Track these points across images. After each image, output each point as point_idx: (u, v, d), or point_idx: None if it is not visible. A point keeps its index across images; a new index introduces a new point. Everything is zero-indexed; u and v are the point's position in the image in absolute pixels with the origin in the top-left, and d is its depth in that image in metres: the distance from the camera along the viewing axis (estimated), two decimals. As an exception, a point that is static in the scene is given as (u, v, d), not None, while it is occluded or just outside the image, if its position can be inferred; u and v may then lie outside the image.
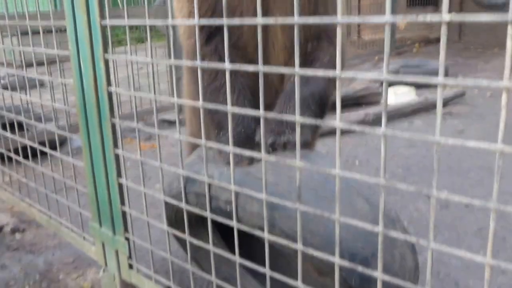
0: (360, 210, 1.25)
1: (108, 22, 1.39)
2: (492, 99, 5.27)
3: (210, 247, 1.24)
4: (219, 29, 1.50)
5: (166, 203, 1.44)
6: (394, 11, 9.10)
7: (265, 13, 1.47)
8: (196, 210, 1.28)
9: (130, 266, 1.61)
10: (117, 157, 1.52)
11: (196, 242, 1.30)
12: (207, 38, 1.53)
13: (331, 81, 1.51)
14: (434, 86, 5.81)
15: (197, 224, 1.69)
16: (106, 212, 1.61)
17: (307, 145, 1.45)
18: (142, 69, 4.75)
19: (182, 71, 4.72)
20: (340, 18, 0.78)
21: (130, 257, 1.61)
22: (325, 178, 1.27)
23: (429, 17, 0.68)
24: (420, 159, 3.60)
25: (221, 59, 1.53)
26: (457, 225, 2.54)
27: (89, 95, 1.52)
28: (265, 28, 1.49)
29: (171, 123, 4.67)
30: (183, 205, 1.30)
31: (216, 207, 1.38)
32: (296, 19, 0.83)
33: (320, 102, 1.49)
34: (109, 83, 1.47)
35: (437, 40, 10.48)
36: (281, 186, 1.25)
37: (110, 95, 1.48)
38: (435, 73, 5.96)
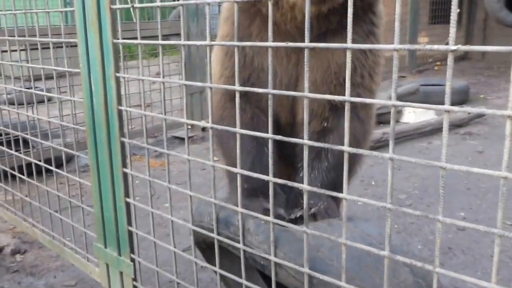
0: (404, 281, 1.25)
1: (121, 41, 1.47)
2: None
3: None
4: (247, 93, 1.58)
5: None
6: (415, 28, 9.22)
7: (295, 82, 1.56)
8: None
9: (135, 288, 1.67)
10: (125, 176, 1.59)
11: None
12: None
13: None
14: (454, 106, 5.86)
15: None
16: (112, 232, 1.67)
17: (334, 213, 1.48)
18: (154, 84, 4.86)
19: (194, 87, 4.83)
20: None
21: (135, 279, 1.66)
22: (369, 244, 1.26)
23: (436, 47, 0.74)
24: (437, 179, 3.63)
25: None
26: (473, 248, 2.58)
27: (98, 113, 1.59)
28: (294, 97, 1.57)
29: (182, 140, 4.76)
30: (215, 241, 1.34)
31: (251, 258, 1.37)
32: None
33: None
34: (119, 101, 1.54)
35: (459, 58, 10.53)
36: (322, 252, 1.25)
37: (120, 113, 1.55)
38: (457, 91, 6.03)
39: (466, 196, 3.31)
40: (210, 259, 1.61)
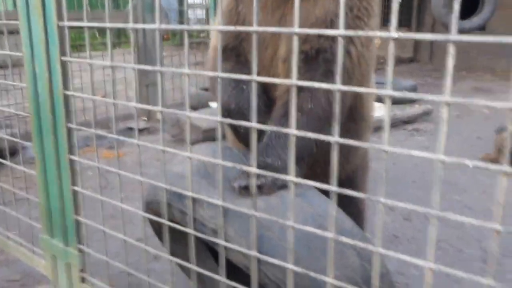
0: (351, 264, 1.24)
1: (67, 23, 1.39)
2: (457, 119, 5.49)
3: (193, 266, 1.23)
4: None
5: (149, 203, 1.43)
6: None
7: (278, 35, 1.57)
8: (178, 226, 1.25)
9: (83, 280, 1.59)
10: (72, 163, 1.51)
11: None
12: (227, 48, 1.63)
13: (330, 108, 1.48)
14: (402, 103, 6.04)
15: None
16: (58, 223, 1.58)
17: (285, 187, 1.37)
18: (109, 75, 4.73)
19: (150, 78, 4.72)
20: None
21: (83, 270, 1.58)
22: (322, 223, 1.24)
23: (379, 34, 0.74)
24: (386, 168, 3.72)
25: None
26: (418, 237, 2.64)
27: (43, 98, 1.50)
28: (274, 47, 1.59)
29: (138, 131, 4.64)
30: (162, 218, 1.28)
31: (202, 233, 1.30)
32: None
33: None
34: (66, 86, 1.46)
35: (410, 60, 10.88)
36: (272, 232, 1.22)
37: (66, 99, 1.47)
38: (406, 89, 6.20)
39: (412, 189, 3.39)
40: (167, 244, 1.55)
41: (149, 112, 4.90)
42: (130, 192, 2.93)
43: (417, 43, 11.04)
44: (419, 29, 11.28)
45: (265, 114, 1.55)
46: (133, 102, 1.28)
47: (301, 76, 1.43)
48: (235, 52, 1.63)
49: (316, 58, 1.49)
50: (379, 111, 5.27)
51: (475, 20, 8.15)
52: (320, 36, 1.46)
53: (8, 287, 2.09)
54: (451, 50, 0.72)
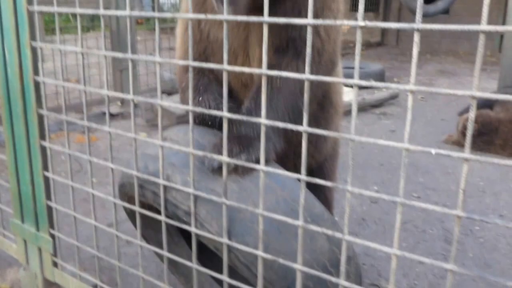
0: (320, 248, 1.27)
1: (36, 8, 1.36)
2: (423, 102, 5.62)
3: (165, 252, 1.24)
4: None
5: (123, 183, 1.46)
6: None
7: (245, 43, 1.57)
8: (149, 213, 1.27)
9: (55, 264, 1.59)
10: (43, 149, 1.49)
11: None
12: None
13: (301, 94, 1.50)
14: (372, 88, 6.14)
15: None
16: (30, 207, 1.57)
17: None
18: (85, 60, 4.63)
19: (124, 64, 4.63)
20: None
21: (55, 255, 1.58)
22: (291, 210, 1.26)
23: (347, 22, 0.75)
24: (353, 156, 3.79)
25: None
26: (384, 219, 2.72)
27: (13, 84, 1.47)
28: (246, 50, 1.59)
29: (112, 116, 4.57)
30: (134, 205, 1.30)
31: (174, 214, 1.32)
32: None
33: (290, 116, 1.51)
34: (36, 72, 1.44)
35: (378, 44, 11.04)
36: (244, 214, 1.22)
37: (37, 84, 1.45)
38: (374, 74, 6.31)
39: (379, 171, 3.48)
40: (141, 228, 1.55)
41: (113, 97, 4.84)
42: (103, 177, 2.92)
43: (384, 28, 11.17)
44: (386, 14, 11.41)
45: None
46: (105, 89, 1.27)
47: (272, 60, 1.47)
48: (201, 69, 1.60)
49: (287, 47, 1.51)
50: (348, 95, 5.37)
51: (440, 4, 8.30)
52: (289, 28, 1.48)
53: (-21, 270, 2.07)
54: (416, 38, 0.74)
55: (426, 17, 8.39)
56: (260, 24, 1.45)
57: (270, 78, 1.43)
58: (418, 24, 0.73)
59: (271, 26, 0.89)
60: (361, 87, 5.98)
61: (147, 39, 5.69)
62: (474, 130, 3.82)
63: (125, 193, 1.49)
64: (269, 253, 1.03)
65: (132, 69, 1.33)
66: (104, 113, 4.65)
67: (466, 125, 3.96)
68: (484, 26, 0.67)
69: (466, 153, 0.71)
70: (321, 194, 1.82)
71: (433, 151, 0.79)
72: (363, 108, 5.16)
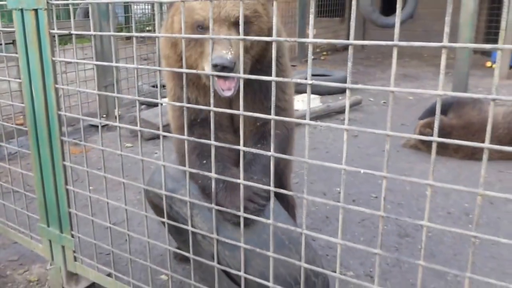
0: (292, 264, 1.50)
1: (59, 58, 1.75)
2: (385, 107, 6.10)
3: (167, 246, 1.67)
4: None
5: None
6: (304, 21, 9.91)
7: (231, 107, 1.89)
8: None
9: (75, 259, 1.98)
10: (64, 168, 1.88)
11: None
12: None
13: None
14: (335, 95, 6.66)
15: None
16: (54, 214, 1.95)
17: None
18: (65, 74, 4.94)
19: (108, 80, 4.97)
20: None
21: (75, 251, 1.97)
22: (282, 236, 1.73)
23: (298, 39, 1.18)
24: (320, 160, 4.22)
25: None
26: (345, 217, 3.13)
27: (40, 117, 1.85)
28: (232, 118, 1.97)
29: (96, 127, 4.92)
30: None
31: (176, 218, 1.79)
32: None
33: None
34: (59, 108, 1.82)
35: (344, 49, 11.47)
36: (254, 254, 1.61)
37: (59, 117, 1.83)
38: (336, 81, 6.79)
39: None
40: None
41: (107, 110, 5.18)
42: (98, 185, 3.27)
43: (350, 33, 11.63)
44: (351, 19, 11.87)
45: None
46: (97, 108, 1.66)
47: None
48: (199, 129, 1.88)
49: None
50: (313, 103, 5.83)
51: (404, 12, 8.77)
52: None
53: (9, 265, 2.47)
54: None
55: (388, 28, 8.93)
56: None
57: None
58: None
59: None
60: (326, 93, 6.47)
61: (120, 47, 5.95)
62: (428, 134, 4.22)
63: (148, 197, 1.96)
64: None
65: (114, 85, 1.71)
66: (90, 125, 5.01)
67: (421, 131, 4.42)
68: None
69: (385, 173, 1.13)
70: (284, 200, 2.27)
71: (362, 170, 1.21)
72: (328, 114, 5.63)
